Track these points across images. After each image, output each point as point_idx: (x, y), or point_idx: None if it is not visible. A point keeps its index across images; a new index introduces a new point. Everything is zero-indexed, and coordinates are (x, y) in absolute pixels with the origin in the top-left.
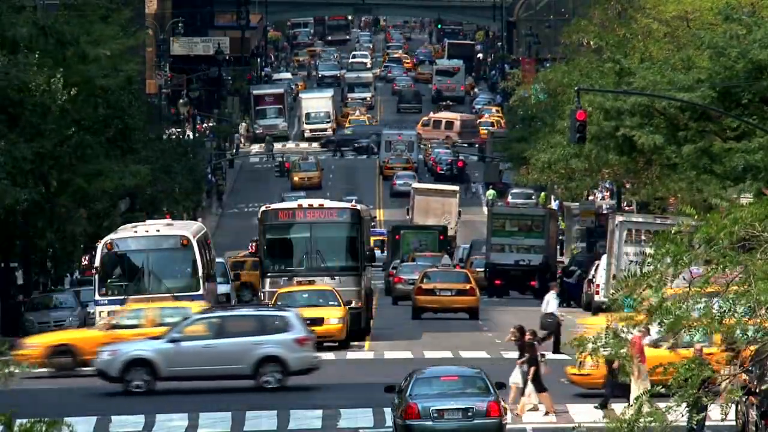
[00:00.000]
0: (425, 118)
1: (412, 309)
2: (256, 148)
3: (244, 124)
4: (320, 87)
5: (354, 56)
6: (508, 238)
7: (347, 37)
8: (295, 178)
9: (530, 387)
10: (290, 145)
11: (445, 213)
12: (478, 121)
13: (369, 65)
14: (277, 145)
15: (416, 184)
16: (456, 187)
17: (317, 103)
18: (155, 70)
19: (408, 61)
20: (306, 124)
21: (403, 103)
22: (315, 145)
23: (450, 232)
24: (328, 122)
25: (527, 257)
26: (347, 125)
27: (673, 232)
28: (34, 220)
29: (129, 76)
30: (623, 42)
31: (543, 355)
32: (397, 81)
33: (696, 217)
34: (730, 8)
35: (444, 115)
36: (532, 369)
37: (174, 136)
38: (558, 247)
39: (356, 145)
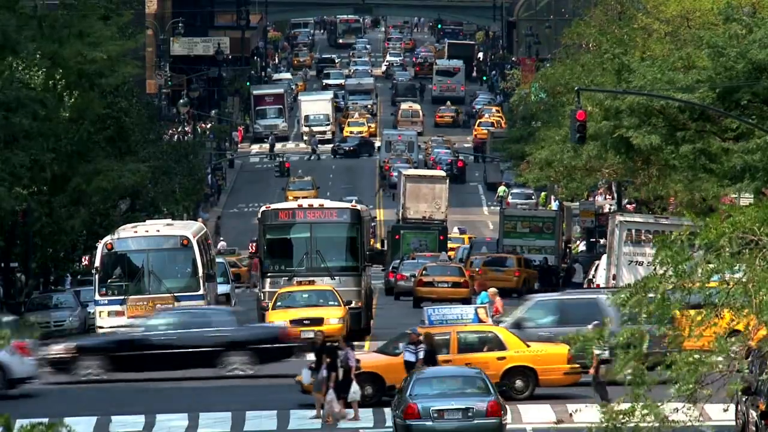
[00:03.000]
0: None
1: (413, 299)
2: (256, 148)
3: (239, 128)
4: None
5: (355, 63)
6: (520, 239)
7: (355, 41)
8: (290, 198)
9: (332, 394)
10: (290, 145)
11: (435, 198)
12: (478, 122)
13: (371, 71)
14: (277, 145)
15: (406, 171)
16: (444, 173)
17: (316, 105)
18: (155, 70)
19: (402, 58)
20: (305, 126)
21: (398, 96)
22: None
23: (440, 216)
24: (327, 124)
25: (539, 258)
26: (346, 128)
27: (671, 238)
28: (34, 220)
29: (123, 77)
30: (623, 41)
31: (358, 361)
32: (397, 76)
33: (695, 221)
34: (731, 8)
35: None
36: (333, 375)
37: (174, 138)
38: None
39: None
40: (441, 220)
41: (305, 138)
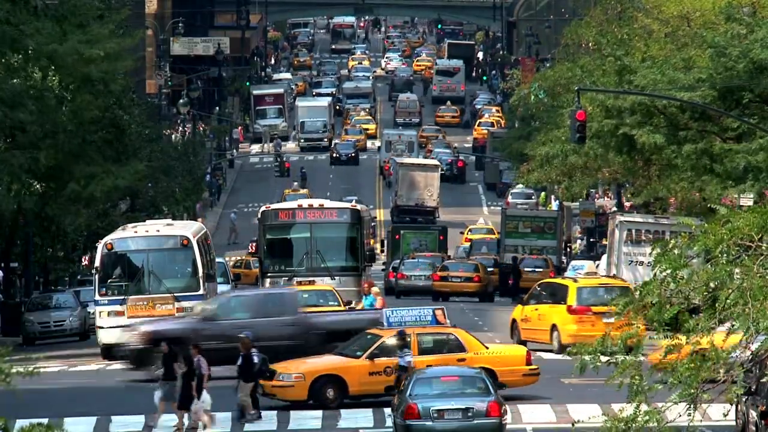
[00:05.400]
0: None
1: (432, 294)
2: (256, 148)
3: (239, 128)
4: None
5: (356, 69)
6: (522, 240)
7: (353, 46)
8: None
9: (197, 402)
10: (290, 145)
11: (428, 186)
12: (478, 122)
13: (371, 77)
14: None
15: (400, 159)
16: (437, 162)
17: (313, 112)
18: (155, 70)
19: (401, 53)
20: (301, 133)
21: (394, 91)
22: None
23: (432, 203)
24: (324, 132)
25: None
26: (343, 135)
27: (670, 246)
28: (33, 221)
29: (123, 82)
30: (624, 41)
31: (209, 369)
32: (397, 72)
33: (691, 225)
34: (732, 8)
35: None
36: (193, 384)
37: (174, 137)
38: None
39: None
40: (433, 207)
41: (266, 145)
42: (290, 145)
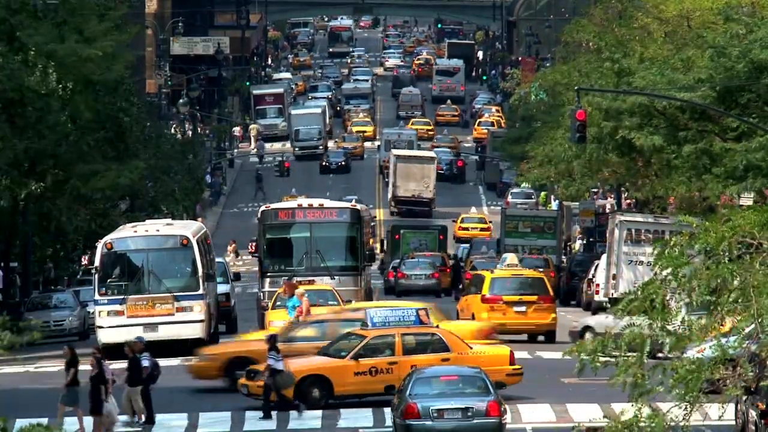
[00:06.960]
0: None
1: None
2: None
3: (254, 125)
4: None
5: (355, 72)
6: (522, 239)
7: (351, 49)
8: None
9: (109, 406)
10: (290, 145)
11: (424, 177)
12: (478, 122)
13: (371, 80)
14: (277, 145)
15: (396, 151)
16: (433, 154)
17: (307, 120)
18: (155, 70)
19: (402, 51)
20: (295, 142)
21: (396, 87)
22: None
23: (429, 195)
24: (318, 139)
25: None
26: (339, 141)
27: (671, 244)
28: (33, 219)
29: (121, 75)
30: (623, 42)
31: (113, 373)
32: (398, 68)
33: (695, 225)
34: (731, 8)
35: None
36: (103, 387)
37: (175, 136)
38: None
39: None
40: (429, 199)
41: (252, 147)
42: (289, 146)
